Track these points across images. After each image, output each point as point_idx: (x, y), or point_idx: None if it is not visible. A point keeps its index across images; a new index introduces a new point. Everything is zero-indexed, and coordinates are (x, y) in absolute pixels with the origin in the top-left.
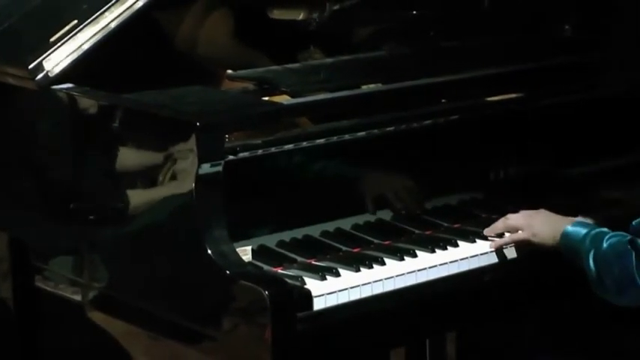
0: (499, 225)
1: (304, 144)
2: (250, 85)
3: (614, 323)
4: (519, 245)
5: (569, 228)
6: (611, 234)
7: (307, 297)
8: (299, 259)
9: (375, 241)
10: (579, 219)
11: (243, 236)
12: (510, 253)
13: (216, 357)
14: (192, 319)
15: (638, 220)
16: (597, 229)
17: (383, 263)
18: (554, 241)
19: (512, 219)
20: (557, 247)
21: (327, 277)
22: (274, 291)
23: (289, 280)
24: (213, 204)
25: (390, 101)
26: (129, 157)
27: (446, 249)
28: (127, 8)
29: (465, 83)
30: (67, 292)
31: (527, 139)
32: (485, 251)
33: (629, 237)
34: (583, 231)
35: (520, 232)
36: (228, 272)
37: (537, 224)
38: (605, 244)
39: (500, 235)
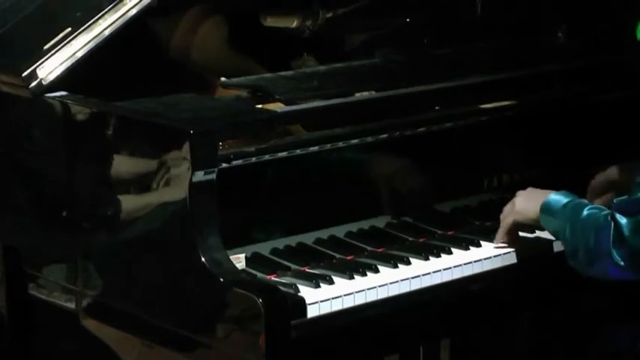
0: (500, 229)
1: (298, 152)
2: (244, 93)
3: (608, 324)
4: (511, 231)
5: (551, 196)
6: (591, 206)
7: (301, 304)
8: (293, 266)
9: (369, 248)
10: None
11: (236, 244)
12: (503, 260)
13: None
14: (186, 327)
15: (621, 198)
16: (578, 200)
17: (376, 270)
18: (537, 215)
19: (503, 211)
20: (539, 221)
21: (321, 284)
22: (268, 298)
23: (283, 288)
24: (206, 211)
25: (384, 109)
26: (122, 165)
27: (439, 256)
28: (121, 16)
29: (459, 90)
30: (61, 300)
31: (521, 146)
32: (478, 258)
33: (608, 213)
34: (564, 200)
35: (508, 217)
36: (221, 280)
37: (519, 202)
38: (584, 213)
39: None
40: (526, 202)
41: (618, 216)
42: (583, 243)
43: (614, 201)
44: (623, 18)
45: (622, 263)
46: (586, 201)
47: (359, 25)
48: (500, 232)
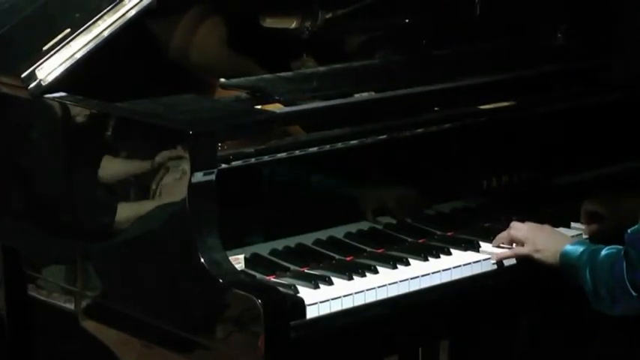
0: (504, 235)
1: (297, 152)
2: (243, 94)
3: (605, 328)
4: (520, 259)
5: (569, 246)
6: (608, 247)
7: (300, 305)
8: (292, 267)
9: (368, 249)
10: (579, 238)
11: (236, 245)
12: (503, 261)
13: None
14: (185, 328)
15: (633, 228)
16: (595, 246)
17: (376, 271)
18: (555, 260)
19: (517, 230)
20: (557, 265)
21: (320, 285)
22: (267, 299)
23: (282, 289)
24: (206, 212)
25: (383, 109)
26: (121, 166)
27: (439, 257)
28: (120, 17)
29: (458, 91)
30: (61, 301)
31: (520, 147)
32: (478, 259)
33: (623, 248)
34: (581, 248)
35: (523, 245)
36: (221, 281)
37: (541, 241)
38: (601, 255)
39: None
40: (546, 244)
41: (630, 249)
42: (604, 284)
43: (628, 231)
44: (623, 18)
45: (635, 294)
46: (602, 246)
47: (358, 26)
48: (508, 254)
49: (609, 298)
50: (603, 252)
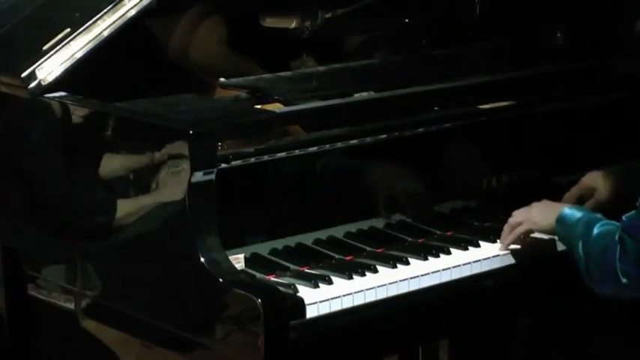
0: (506, 229)
1: (297, 152)
2: (243, 93)
3: (606, 328)
4: (523, 237)
5: (566, 210)
6: (603, 222)
7: (300, 305)
8: (292, 267)
9: (368, 248)
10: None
11: (235, 244)
12: (503, 260)
13: None
14: (185, 328)
15: (629, 214)
16: (591, 215)
17: (375, 271)
18: (552, 227)
19: (515, 215)
20: (554, 232)
21: (320, 284)
22: (267, 299)
23: (282, 288)
24: (205, 212)
25: (383, 109)
26: (121, 166)
27: (438, 257)
28: (120, 17)
29: (458, 91)
30: (60, 301)
31: (520, 147)
32: (477, 259)
33: (618, 230)
34: (578, 214)
35: (521, 225)
36: (220, 280)
37: (536, 213)
38: (595, 232)
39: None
40: (542, 215)
41: (626, 237)
42: (595, 262)
43: (623, 218)
44: (623, 18)
45: (625, 281)
46: (599, 215)
47: (358, 25)
48: (511, 238)
49: (599, 278)
50: (597, 228)
